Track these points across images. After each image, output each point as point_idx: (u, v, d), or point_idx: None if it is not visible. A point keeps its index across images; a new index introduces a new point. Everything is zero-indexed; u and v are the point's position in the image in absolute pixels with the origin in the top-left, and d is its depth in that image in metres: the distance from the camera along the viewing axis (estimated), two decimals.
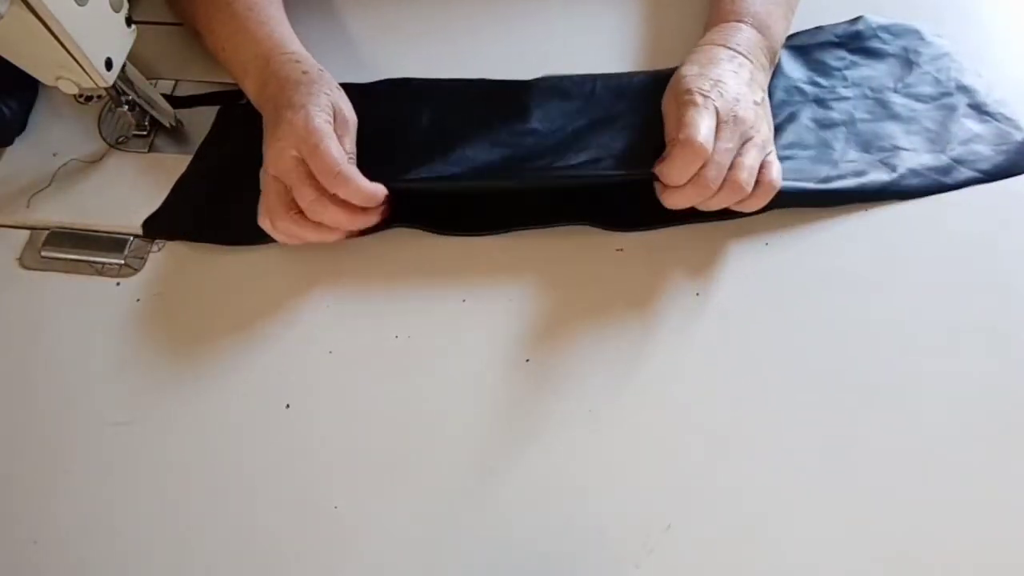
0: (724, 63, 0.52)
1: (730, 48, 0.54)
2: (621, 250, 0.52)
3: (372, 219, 0.51)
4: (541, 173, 0.54)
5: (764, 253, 0.52)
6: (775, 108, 0.57)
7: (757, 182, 0.49)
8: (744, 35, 0.55)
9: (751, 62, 0.53)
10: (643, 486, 0.44)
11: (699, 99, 0.49)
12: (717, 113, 0.49)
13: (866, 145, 0.55)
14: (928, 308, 0.49)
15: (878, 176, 0.53)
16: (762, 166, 0.49)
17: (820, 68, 0.60)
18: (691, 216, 0.53)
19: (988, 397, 0.46)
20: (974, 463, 0.44)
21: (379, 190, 0.50)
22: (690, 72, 0.52)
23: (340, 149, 0.49)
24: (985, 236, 0.52)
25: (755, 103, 0.51)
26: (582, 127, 0.56)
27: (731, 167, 0.48)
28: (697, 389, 0.47)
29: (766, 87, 0.55)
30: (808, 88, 0.59)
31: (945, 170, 0.54)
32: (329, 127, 0.49)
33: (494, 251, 0.53)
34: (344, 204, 0.49)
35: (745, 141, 0.49)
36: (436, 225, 0.53)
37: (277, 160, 0.49)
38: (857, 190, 0.53)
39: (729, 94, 0.50)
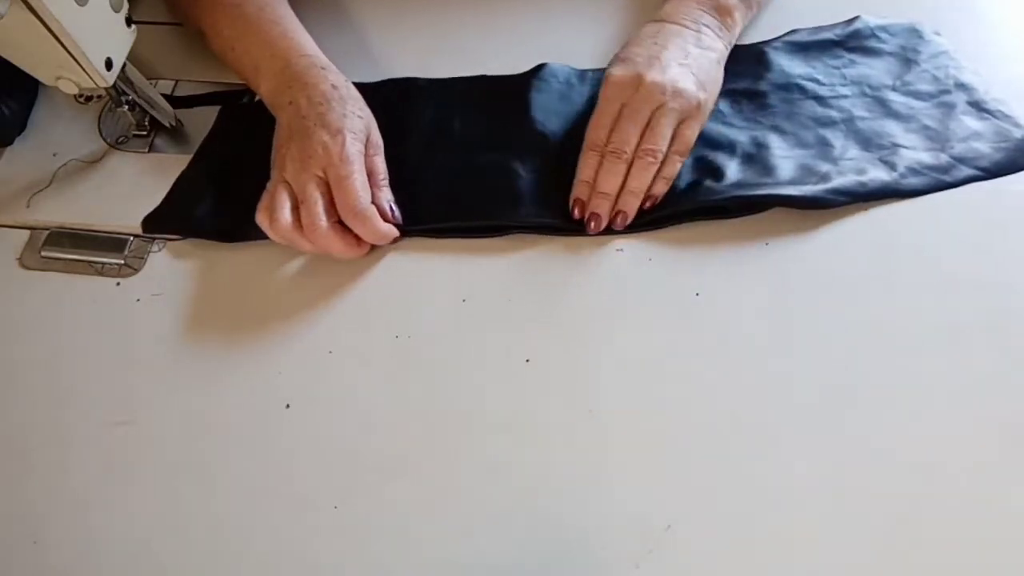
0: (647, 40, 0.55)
1: (653, 23, 0.56)
2: (621, 250, 0.52)
3: (364, 251, 0.52)
4: (539, 218, 0.54)
5: (764, 253, 0.52)
6: (774, 106, 0.57)
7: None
8: (669, 6, 0.58)
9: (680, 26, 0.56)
10: (643, 486, 0.44)
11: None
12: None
13: (866, 143, 0.55)
14: (928, 308, 0.49)
15: (878, 174, 0.53)
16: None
17: (819, 66, 0.60)
18: (691, 215, 0.53)
19: (988, 396, 0.46)
20: (974, 463, 0.44)
21: (392, 232, 0.51)
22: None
23: (366, 184, 0.50)
24: (985, 236, 0.52)
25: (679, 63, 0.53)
26: (581, 124, 0.56)
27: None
28: (697, 389, 0.47)
29: (709, 44, 0.56)
30: (808, 85, 0.59)
31: (945, 168, 0.54)
32: (361, 157, 0.51)
33: (494, 251, 0.53)
34: (345, 233, 0.50)
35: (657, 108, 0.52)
36: (437, 228, 0.53)
37: (300, 173, 0.50)
38: (858, 188, 0.53)
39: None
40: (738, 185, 0.52)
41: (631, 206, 0.52)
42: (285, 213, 0.49)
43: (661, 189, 0.52)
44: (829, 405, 0.46)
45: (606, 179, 0.52)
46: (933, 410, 0.45)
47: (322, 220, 0.49)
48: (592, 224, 0.52)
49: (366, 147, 0.52)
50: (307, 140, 0.50)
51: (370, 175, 0.52)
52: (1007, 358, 0.47)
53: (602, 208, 0.52)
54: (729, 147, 0.55)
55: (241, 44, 0.56)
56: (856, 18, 0.63)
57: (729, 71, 0.57)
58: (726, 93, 0.58)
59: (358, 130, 0.51)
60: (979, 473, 0.43)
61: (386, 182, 0.53)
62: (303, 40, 0.56)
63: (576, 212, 0.52)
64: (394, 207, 0.52)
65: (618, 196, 0.52)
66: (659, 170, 0.52)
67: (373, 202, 0.51)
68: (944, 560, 0.41)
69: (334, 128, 0.50)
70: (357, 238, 0.51)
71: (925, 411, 0.45)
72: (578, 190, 0.53)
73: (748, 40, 0.62)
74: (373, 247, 0.53)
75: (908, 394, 0.46)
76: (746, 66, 0.60)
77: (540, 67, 0.60)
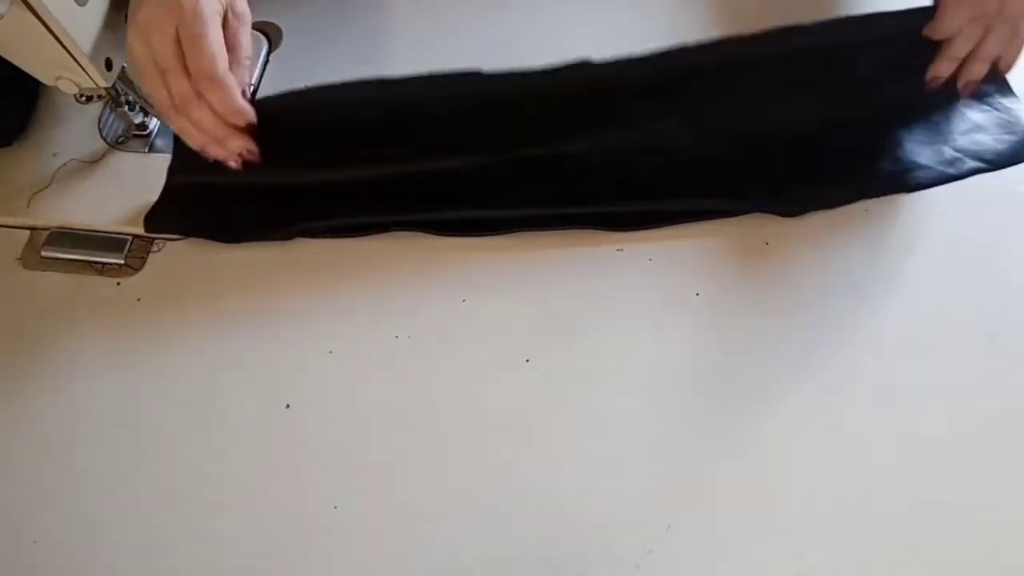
0: None
1: None
2: (621, 250, 0.52)
3: (239, 143, 0.48)
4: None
5: (764, 253, 0.52)
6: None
7: None
8: None
9: None
10: (643, 486, 0.44)
11: None
12: None
13: (871, 138, 0.55)
14: (928, 308, 0.49)
15: (884, 166, 0.53)
16: None
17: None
18: (691, 216, 0.53)
19: (989, 396, 0.46)
20: (974, 463, 0.44)
21: (248, 112, 0.47)
22: None
23: (223, 48, 0.45)
24: (985, 236, 0.52)
25: None
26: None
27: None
28: (697, 389, 0.47)
29: None
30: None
31: (950, 162, 0.53)
32: (218, 17, 0.45)
33: (494, 251, 0.53)
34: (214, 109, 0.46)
35: None
36: (436, 226, 0.53)
37: (153, 33, 0.44)
38: (865, 181, 0.52)
39: None
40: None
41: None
42: (159, 90, 0.45)
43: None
44: (830, 405, 0.46)
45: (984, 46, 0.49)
46: (934, 410, 0.45)
47: (188, 91, 0.44)
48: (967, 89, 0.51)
49: (227, 15, 0.46)
50: None
51: (231, 51, 0.46)
52: (1007, 359, 0.47)
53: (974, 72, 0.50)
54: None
55: None
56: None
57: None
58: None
59: None
60: (979, 473, 0.43)
61: (249, 62, 0.47)
62: None
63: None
64: (247, 90, 0.47)
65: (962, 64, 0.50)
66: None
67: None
68: (945, 561, 0.41)
69: None
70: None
71: (926, 410, 0.45)
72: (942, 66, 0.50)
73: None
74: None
75: (909, 394, 0.46)
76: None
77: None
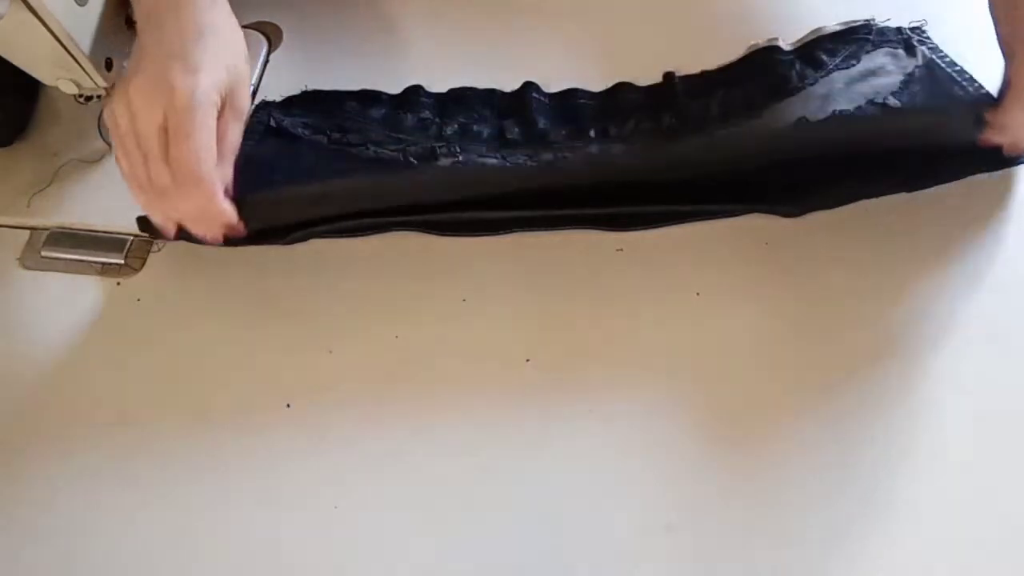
0: None
1: None
2: (621, 250, 0.52)
3: (217, 230, 0.45)
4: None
5: (764, 253, 0.52)
6: None
7: None
8: None
9: None
10: (643, 486, 0.44)
11: None
12: None
13: None
14: (931, 307, 0.49)
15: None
16: None
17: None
18: (691, 216, 0.53)
19: (988, 397, 0.46)
20: (975, 463, 0.44)
21: (231, 214, 0.43)
22: None
23: (212, 148, 0.41)
24: (985, 236, 0.52)
25: None
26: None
27: None
28: (697, 389, 0.47)
29: None
30: None
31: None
32: (214, 112, 0.42)
33: (494, 251, 0.53)
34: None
35: None
36: (436, 226, 0.53)
37: (140, 112, 0.41)
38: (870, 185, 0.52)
39: None
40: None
41: None
42: (137, 176, 0.42)
43: None
44: (830, 405, 0.46)
45: None
46: (934, 408, 0.45)
47: (169, 184, 0.41)
48: None
49: (223, 107, 0.43)
50: (156, 71, 0.41)
51: (218, 142, 0.43)
52: (1007, 359, 0.47)
53: None
54: None
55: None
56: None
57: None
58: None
59: (219, 83, 0.42)
60: (980, 473, 0.43)
61: (232, 158, 0.44)
62: None
63: None
64: (230, 188, 0.44)
65: None
66: None
67: None
68: (946, 563, 0.41)
69: (191, 66, 0.41)
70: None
71: (926, 409, 0.45)
72: None
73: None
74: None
75: (912, 395, 0.46)
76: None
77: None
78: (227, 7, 0.46)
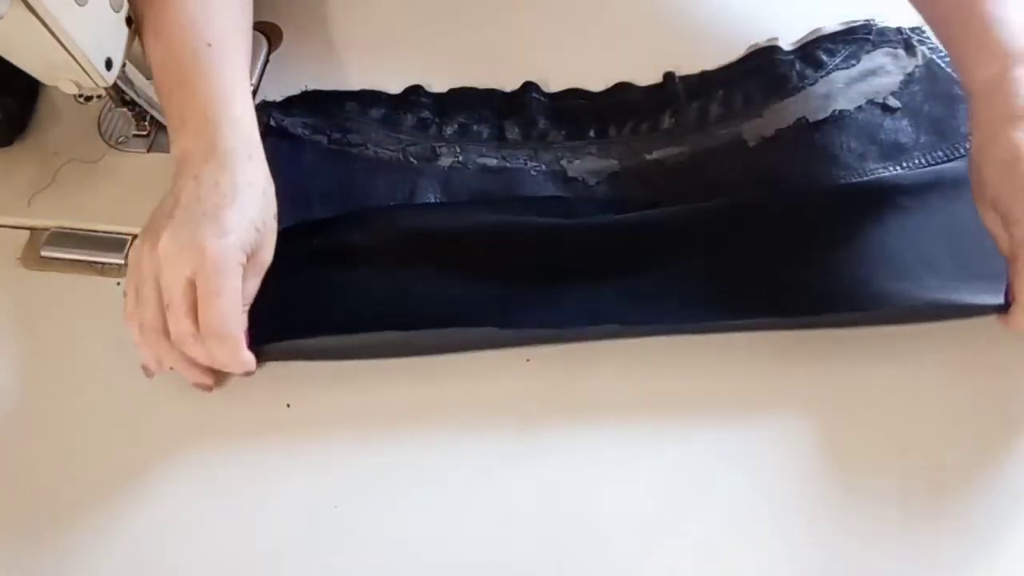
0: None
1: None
2: None
3: (210, 384, 0.47)
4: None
5: None
6: None
7: None
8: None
9: None
10: (643, 486, 0.44)
11: None
12: None
13: None
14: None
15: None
16: None
17: None
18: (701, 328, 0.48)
19: (990, 396, 0.46)
20: (974, 463, 0.44)
21: (251, 363, 0.45)
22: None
23: (238, 306, 0.43)
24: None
25: None
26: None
27: None
28: (697, 389, 0.47)
29: None
30: None
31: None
32: (240, 269, 0.43)
33: None
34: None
35: None
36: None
37: (167, 268, 0.42)
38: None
39: None
40: None
41: None
42: (153, 326, 0.43)
43: None
44: (830, 406, 0.46)
45: None
46: (935, 408, 0.45)
47: (192, 333, 0.42)
48: None
49: (247, 265, 0.44)
50: (190, 228, 0.42)
51: None
52: (1007, 359, 0.47)
53: None
54: None
55: (176, 94, 0.49)
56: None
57: None
58: None
59: (247, 242, 0.43)
60: (980, 474, 0.43)
61: (247, 307, 0.45)
62: (242, 111, 0.48)
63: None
64: (244, 335, 0.45)
65: None
66: None
67: None
68: (949, 566, 0.41)
69: (223, 228, 0.42)
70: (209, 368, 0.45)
71: (927, 410, 0.45)
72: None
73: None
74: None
75: (910, 394, 0.46)
76: None
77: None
78: (263, 162, 0.47)
